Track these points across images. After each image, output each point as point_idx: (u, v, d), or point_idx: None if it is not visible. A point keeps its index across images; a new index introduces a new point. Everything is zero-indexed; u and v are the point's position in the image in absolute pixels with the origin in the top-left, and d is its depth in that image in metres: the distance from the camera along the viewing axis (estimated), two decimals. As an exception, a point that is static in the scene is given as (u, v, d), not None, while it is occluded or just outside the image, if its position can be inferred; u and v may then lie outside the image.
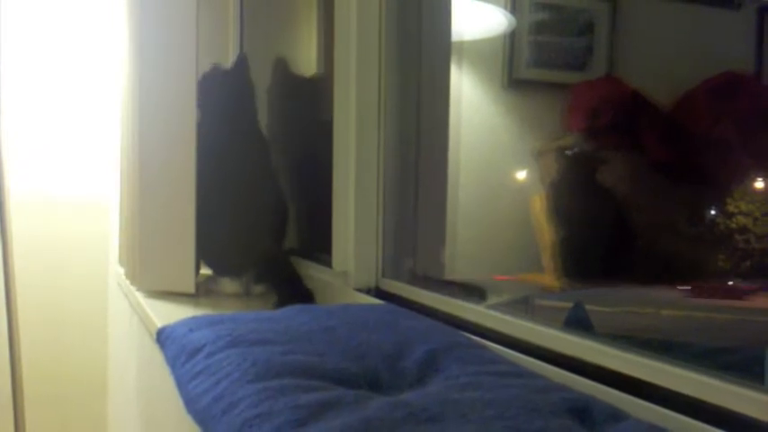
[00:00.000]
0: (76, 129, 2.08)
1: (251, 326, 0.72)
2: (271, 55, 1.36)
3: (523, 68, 1.53)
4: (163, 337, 0.76)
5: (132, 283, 1.10)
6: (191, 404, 0.60)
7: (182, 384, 0.64)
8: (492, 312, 0.77)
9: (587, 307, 1.14)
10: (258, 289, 1.16)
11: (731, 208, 1.22)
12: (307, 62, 1.36)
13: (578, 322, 1.09)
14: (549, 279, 1.37)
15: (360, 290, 0.98)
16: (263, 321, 0.74)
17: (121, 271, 1.28)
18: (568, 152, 1.42)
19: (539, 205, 1.45)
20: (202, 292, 1.14)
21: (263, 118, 1.25)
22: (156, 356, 0.94)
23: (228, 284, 1.17)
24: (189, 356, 0.67)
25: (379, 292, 0.98)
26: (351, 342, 0.69)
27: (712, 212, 1.25)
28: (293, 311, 0.79)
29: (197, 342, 0.69)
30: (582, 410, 0.54)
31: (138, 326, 1.12)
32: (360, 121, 1.02)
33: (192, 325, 0.74)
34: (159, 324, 0.82)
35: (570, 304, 1.19)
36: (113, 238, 1.66)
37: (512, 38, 1.50)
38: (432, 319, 0.80)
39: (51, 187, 2.04)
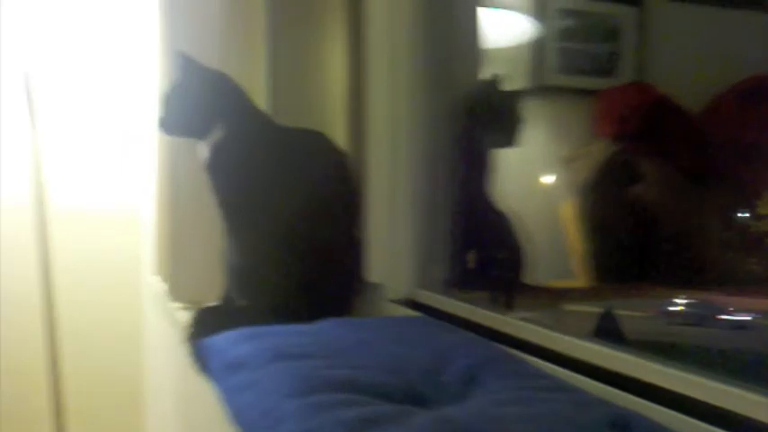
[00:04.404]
0: (111, 141, 2.12)
1: (291, 340, 0.74)
2: (299, 65, 1.37)
3: (551, 75, 1.53)
4: (206, 350, 0.78)
5: (168, 295, 1.13)
6: (239, 418, 0.62)
7: (228, 397, 0.66)
8: (528, 325, 0.78)
9: (618, 312, 1.14)
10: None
11: (762, 211, 1.22)
12: (334, 71, 1.37)
13: (608, 328, 1.09)
14: (580, 285, 1.37)
15: (394, 301, 0.99)
16: (301, 335, 0.76)
17: (157, 282, 1.30)
18: (597, 159, 1.42)
19: (569, 212, 1.45)
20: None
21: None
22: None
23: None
24: (234, 370, 0.69)
25: (413, 304, 0.99)
26: (389, 356, 0.70)
27: (742, 217, 1.24)
28: (330, 325, 0.81)
29: (241, 356, 0.71)
30: (623, 426, 0.55)
31: (175, 337, 1.14)
32: (394, 130, 1.04)
33: (234, 338, 0.76)
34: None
35: (599, 309, 1.20)
36: (147, 248, 1.69)
37: (539, 45, 1.51)
38: (467, 330, 0.81)
39: (86, 199, 2.08)
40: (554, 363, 0.70)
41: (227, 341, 0.76)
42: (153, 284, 1.41)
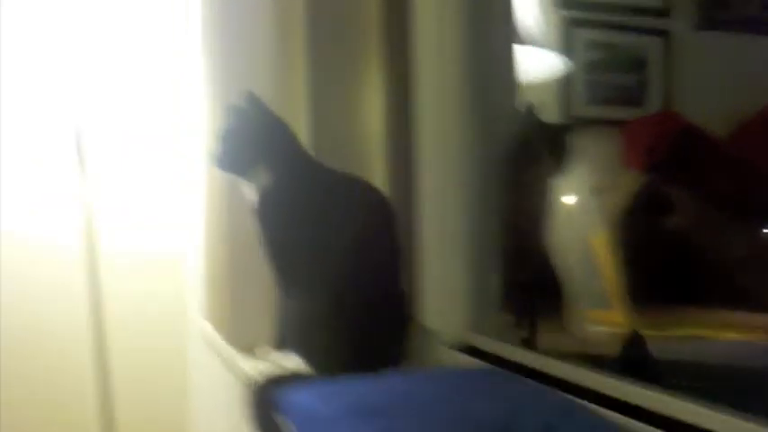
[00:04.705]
0: (155, 186, 2.17)
1: (366, 395, 0.76)
2: (339, 108, 1.40)
3: (580, 106, 1.56)
4: (284, 404, 0.81)
5: (223, 340, 1.15)
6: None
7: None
8: (598, 375, 0.80)
9: (647, 332, 1.17)
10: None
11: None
12: (373, 115, 1.40)
13: (637, 350, 1.12)
14: (617, 314, 1.39)
15: (450, 347, 1.01)
16: (374, 390, 0.79)
17: (208, 327, 1.33)
18: (628, 190, 1.45)
19: (602, 243, 1.48)
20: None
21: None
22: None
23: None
24: (316, 426, 0.72)
25: (468, 349, 1.00)
26: (462, 410, 0.73)
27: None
28: (398, 378, 0.84)
29: (321, 411, 0.74)
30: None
31: (230, 383, 1.16)
32: (444, 170, 1.06)
33: (310, 393, 0.79)
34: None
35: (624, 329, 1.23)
36: (194, 293, 1.72)
37: (567, 78, 1.54)
38: (531, 379, 0.83)
39: (131, 244, 2.12)
40: (626, 414, 0.72)
41: (304, 396, 0.79)
42: (203, 330, 1.43)
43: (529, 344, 1.11)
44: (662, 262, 1.35)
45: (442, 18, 1.16)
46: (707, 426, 0.65)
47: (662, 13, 1.53)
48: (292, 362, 1.06)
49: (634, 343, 1.17)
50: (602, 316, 1.38)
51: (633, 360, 1.11)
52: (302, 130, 1.37)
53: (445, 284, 1.04)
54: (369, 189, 1.14)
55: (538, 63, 1.53)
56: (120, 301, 2.05)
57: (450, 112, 1.11)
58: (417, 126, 1.13)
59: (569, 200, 1.50)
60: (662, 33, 1.51)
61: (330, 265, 1.05)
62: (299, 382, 0.84)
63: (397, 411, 0.73)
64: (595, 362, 0.95)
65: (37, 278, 2.04)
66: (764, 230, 1.30)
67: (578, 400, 0.76)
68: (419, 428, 0.69)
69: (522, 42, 1.47)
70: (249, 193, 1.12)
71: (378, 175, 1.33)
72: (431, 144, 1.10)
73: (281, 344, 1.10)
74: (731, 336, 1.19)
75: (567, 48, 1.53)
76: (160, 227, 2.16)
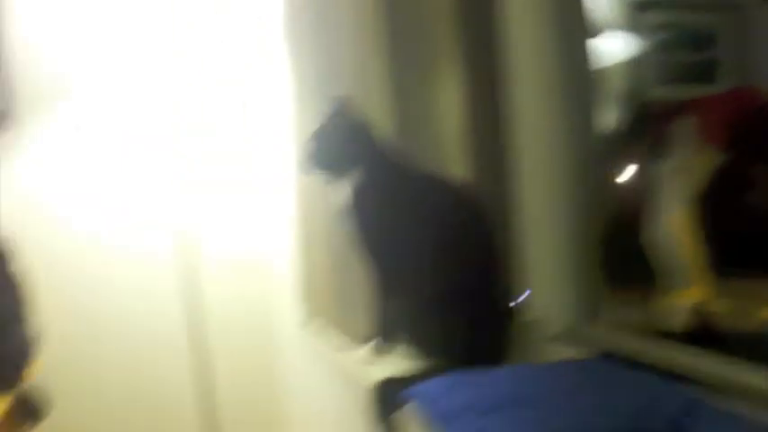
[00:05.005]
0: (251, 194, 2.26)
1: (495, 388, 0.82)
2: (419, 105, 1.43)
3: (654, 88, 1.56)
4: (416, 396, 0.86)
5: (335, 334, 1.20)
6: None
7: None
8: (722, 364, 0.82)
9: (730, 308, 1.19)
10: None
11: None
12: (452, 111, 1.43)
13: (718, 326, 1.14)
14: (699, 292, 1.40)
15: (554, 338, 1.03)
16: (500, 383, 0.84)
17: (311, 324, 1.37)
18: (707, 168, 1.45)
19: (679, 222, 1.49)
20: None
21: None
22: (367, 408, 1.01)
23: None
24: (456, 419, 0.77)
25: (576, 341, 1.02)
26: (591, 403, 0.77)
27: None
28: (519, 372, 0.89)
29: (458, 405, 0.80)
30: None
31: (334, 379, 1.19)
32: (542, 158, 1.09)
33: (442, 387, 0.84)
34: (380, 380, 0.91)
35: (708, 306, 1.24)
36: (287, 293, 1.77)
37: (638, 60, 1.54)
38: (643, 369, 0.86)
39: (222, 248, 2.21)
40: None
41: (436, 390, 0.84)
42: (302, 327, 1.47)
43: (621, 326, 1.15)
44: (745, 238, 1.36)
45: (527, 10, 1.19)
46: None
47: (733, -14, 1.52)
48: (398, 357, 1.11)
49: (713, 320, 1.19)
50: (687, 294, 1.40)
51: (718, 336, 1.13)
52: (387, 127, 1.41)
53: (547, 276, 1.07)
54: (461, 186, 1.18)
55: (609, 49, 1.54)
56: (212, 304, 2.14)
57: (546, 103, 1.13)
58: (511, 116, 1.16)
59: (651, 179, 1.51)
60: (733, 7, 1.50)
61: (427, 262, 1.10)
62: (423, 378, 0.90)
63: (530, 404, 0.78)
64: (685, 340, 0.98)
65: (132, 284, 2.14)
66: None
67: (696, 389, 0.79)
68: (559, 420, 0.74)
69: (595, 29, 1.49)
70: (342, 193, 1.18)
71: (465, 167, 1.36)
72: (527, 131, 1.13)
73: (381, 339, 1.16)
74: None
75: (636, 31, 1.53)
76: (248, 230, 2.24)
